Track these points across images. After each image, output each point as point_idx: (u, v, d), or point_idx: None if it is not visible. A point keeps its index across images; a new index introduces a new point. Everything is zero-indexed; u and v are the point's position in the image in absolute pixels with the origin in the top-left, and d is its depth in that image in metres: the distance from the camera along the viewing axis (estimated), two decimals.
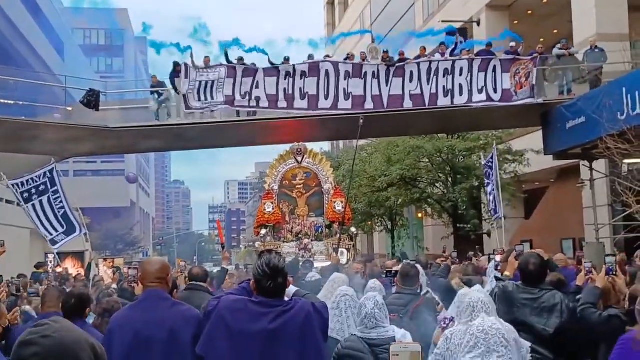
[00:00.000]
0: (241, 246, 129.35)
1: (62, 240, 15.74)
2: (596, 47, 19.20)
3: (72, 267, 18.54)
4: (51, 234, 15.51)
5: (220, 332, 3.85)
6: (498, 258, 7.06)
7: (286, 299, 4.17)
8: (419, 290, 6.49)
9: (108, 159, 78.88)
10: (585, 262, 5.99)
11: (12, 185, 15.41)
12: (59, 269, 16.36)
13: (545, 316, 5.41)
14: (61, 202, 15.70)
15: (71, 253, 19.04)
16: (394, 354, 2.15)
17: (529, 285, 5.66)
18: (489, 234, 26.63)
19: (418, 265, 7.33)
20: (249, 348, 3.77)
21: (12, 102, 18.67)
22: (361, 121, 14.98)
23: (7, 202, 36.98)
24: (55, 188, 15.73)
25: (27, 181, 15.62)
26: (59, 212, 15.61)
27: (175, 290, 5.75)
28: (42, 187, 15.61)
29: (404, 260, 11.62)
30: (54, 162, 16.25)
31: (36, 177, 15.75)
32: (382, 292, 6.28)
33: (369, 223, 33.87)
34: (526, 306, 5.52)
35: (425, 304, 6.20)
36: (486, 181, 18.72)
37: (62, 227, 15.58)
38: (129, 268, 12.07)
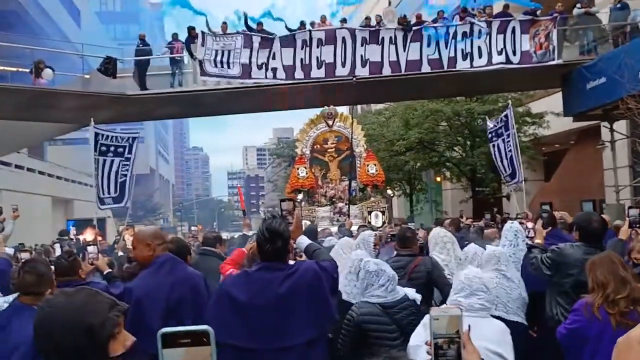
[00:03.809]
0: (260, 212, 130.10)
1: (109, 204, 16.26)
2: (620, 1, 18.78)
3: (90, 235, 18.71)
4: (103, 194, 15.92)
5: (227, 308, 3.88)
6: (530, 225, 6.93)
7: (291, 262, 4.21)
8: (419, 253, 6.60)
9: (127, 126, 79.20)
10: (631, 212, 5.61)
11: (95, 134, 15.75)
12: (82, 237, 16.58)
13: None
14: (127, 171, 16.18)
15: (92, 221, 19.22)
16: (434, 317, 2.17)
17: (590, 244, 5.40)
18: (507, 197, 26.56)
19: (443, 230, 7.39)
20: (261, 317, 3.80)
21: (29, 71, 18.70)
22: (354, 80, 15.08)
23: (29, 170, 37.51)
24: (129, 156, 16.23)
25: (113, 137, 16.07)
26: (120, 178, 16.06)
27: (189, 256, 5.80)
28: (120, 150, 16.13)
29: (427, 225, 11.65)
30: (138, 131, 16.77)
31: (120, 137, 16.24)
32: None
33: (387, 187, 33.87)
34: None
35: (423, 264, 6.25)
36: (495, 142, 18.11)
37: (115, 193, 16.03)
38: None
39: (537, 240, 6.15)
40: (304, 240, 4.50)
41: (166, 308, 4.23)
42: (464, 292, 3.94)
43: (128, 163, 16.23)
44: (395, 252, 7.14)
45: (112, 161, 16.00)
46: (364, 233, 7.15)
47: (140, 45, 19.59)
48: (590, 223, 5.51)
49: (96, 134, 15.81)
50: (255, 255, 5.29)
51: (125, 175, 16.23)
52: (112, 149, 16.02)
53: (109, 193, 16.09)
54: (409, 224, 11.08)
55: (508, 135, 17.32)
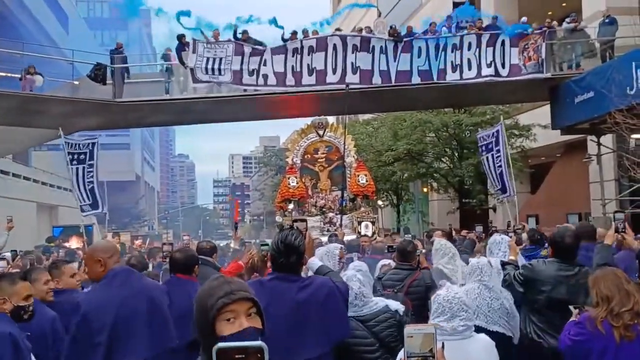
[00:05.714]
0: (245, 220, 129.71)
1: (89, 211, 16.40)
2: (608, 16, 18.99)
3: (76, 243, 18.64)
4: (82, 202, 16.03)
5: None
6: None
7: (309, 273, 4.20)
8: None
9: (113, 133, 78.79)
10: (617, 216, 5.48)
11: (65, 143, 15.90)
12: (67, 244, 16.54)
13: (583, 294, 4.80)
14: (92, 177, 16.36)
15: (78, 228, 19.10)
16: (408, 335, 2.17)
17: (564, 260, 5.27)
18: (494, 209, 26.68)
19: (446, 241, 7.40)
20: (275, 327, 3.63)
21: (18, 76, 18.62)
22: (347, 88, 15.21)
23: (14, 175, 37.21)
24: (91, 162, 16.47)
25: (74, 145, 16.24)
26: (87, 185, 16.19)
27: (197, 266, 5.64)
28: (82, 156, 16.32)
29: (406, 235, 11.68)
30: (97, 137, 16.89)
31: (82, 144, 16.40)
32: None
33: (377, 198, 33.87)
34: (562, 283, 5.12)
35: (422, 278, 6.28)
36: (485, 155, 18.28)
37: (89, 200, 16.13)
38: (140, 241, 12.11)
39: (511, 257, 6.02)
40: (316, 262, 4.49)
41: (118, 321, 4.11)
42: (445, 315, 3.84)
43: (92, 170, 16.35)
44: (381, 263, 7.19)
45: (78, 169, 16.20)
46: (329, 245, 7.17)
47: (124, 52, 19.38)
48: (564, 239, 5.34)
49: (66, 143, 15.96)
50: (255, 267, 5.27)
51: (92, 182, 16.31)
52: (75, 156, 16.24)
53: (85, 201, 16.23)
54: (406, 235, 11.04)
55: (498, 151, 17.47)
